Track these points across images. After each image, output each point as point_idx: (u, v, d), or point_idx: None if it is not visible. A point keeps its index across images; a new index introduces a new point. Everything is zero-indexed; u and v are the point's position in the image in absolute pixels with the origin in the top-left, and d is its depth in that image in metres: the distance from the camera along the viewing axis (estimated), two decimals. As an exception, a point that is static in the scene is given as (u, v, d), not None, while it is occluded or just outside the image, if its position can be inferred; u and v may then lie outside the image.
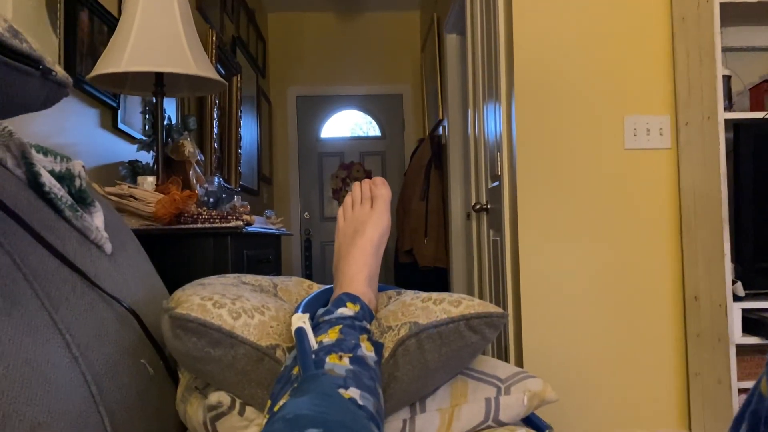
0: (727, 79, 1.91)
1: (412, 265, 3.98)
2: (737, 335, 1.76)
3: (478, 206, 2.60)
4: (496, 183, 2.35)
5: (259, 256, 1.96)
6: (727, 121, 1.81)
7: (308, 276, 5.02)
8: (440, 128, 3.97)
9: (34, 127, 1.54)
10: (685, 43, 1.97)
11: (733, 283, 1.79)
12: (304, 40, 5.08)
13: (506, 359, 2.21)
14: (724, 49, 2.06)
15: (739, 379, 1.77)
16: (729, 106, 1.91)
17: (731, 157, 1.84)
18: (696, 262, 1.94)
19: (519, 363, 2.09)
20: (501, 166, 2.21)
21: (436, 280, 3.84)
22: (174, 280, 1.12)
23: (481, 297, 2.76)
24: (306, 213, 5.13)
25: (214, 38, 2.93)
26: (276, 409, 0.61)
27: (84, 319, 0.78)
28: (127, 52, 1.61)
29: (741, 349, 1.78)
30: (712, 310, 1.85)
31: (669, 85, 2.06)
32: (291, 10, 5.03)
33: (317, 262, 5.09)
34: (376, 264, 0.92)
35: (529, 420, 0.90)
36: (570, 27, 2.06)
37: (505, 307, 2.20)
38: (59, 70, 0.66)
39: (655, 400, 2.04)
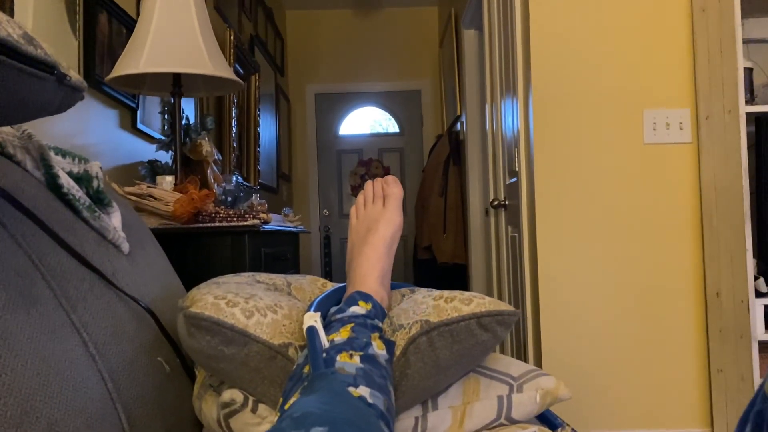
0: (748, 71, 1.88)
1: (430, 262, 3.98)
2: (760, 332, 1.74)
3: (496, 202, 2.59)
4: (514, 179, 2.34)
5: (277, 254, 1.97)
6: (748, 114, 1.78)
7: (327, 273, 5.05)
8: (458, 124, 3.96)
9: (55, 129, 1.57)
10: (706, 34, 1.94)
11: (756, 279, 1.76)
12: (322, 38, 5.09)
13: (525, 356, 2.20)
14: (746, 41, 2.03)
15: (762, 375, 1.74)
16: (751, 99, 1.88)
17: (753, 151, 1.81)
18: (717, 258, 1.91)
19: (537, 360, 2.08)
20: (519, 161, 2.20)
21: (455, 276, 3.84)
22: (192, 279, 1.14)
23: (499, 293, 2.75)
24: (325, 210, 5.16)
25: (232, 38, 2.96)
26: (287, 407, 0.62)
27: (101, 317, 0.79)
28: (145, 54, 1.63)
29: (764, 346, 1.75)
30: (734, 306, 1.82)
31: (689, 78, 2.03)
32: (309, 7, 5.05)
33: (337, 259, 5.12)
34: (388, 262, 0.92)
35: (543, 417, 0.90)
36: (587, 20, 2.04)
37: (523, 304, 2.19)
38: (74, 75, 0.68)
39: (676, 398, 2.02)
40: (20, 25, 0.62)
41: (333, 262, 5.11)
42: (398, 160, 5.23)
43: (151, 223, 1.60)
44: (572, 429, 0.87)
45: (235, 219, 1.63)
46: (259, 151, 3.52)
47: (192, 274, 1.31)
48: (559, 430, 0.80)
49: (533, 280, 2.11)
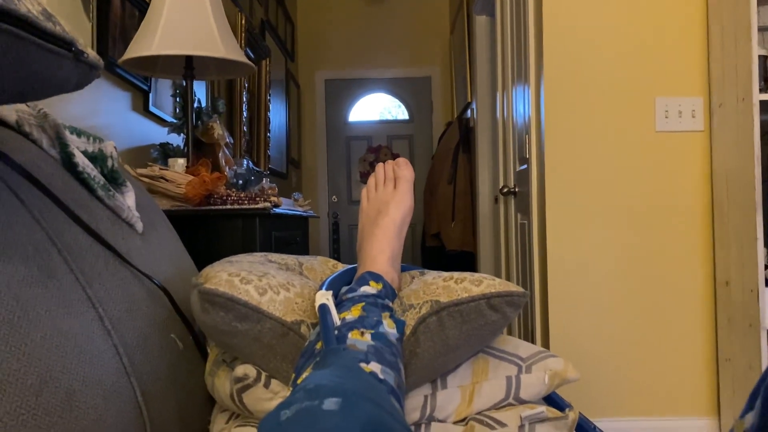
0: (763, 59, 1.86)
1: (439, 249, 3.98)
2: (769, 321, 1.73)
3: (505, 189, 2.59)
4: (524, 166, 2.34)
5: (287, 238, 1.98)
6: (762, 102, 1.77)
7: (336, 259, 5.07)
8: (468, 111, 3.95)
9: (68, 110, 1.58)
10: (720, 21, 1.92)
11: (766, 268, 1.75)
12: (332, 24, 5.08)
13: (532, 343, 2.21)
14: (761, 29, 2.01)
15: (770, 365, 1.74)
16: (765, 88, 1.86)
17: (766, 140, 1.80)
18: (728, 247, 1.91)
19: (545, 347, 2.09)
20: (529, 149, 2.19)
21: (463, 264, 3.84)
22: (204, 261, 1.15)
23: (507, 280, 2.75)
24: (334, 196, 5.17)
25: (243, 22, 2.96)
26: (299, 381, 0.63)
27: (116, 294, 0.81)
28: (158, 36, 1.64)
29: (772, 335, 1.75)
30: (743, 295, 1.82)
31: (702, 66, 2.01)
32: (320, -7, 5.03)
33: (345, 245, 5.13)
34: (398, 244, 0.93)
35: (550, 399, 0.91)
36: (600, 6, 2.03)
37: (531, 291, 2.19)
38: (91, 52, 0.68)
39: (683, 386, 2.02)
40: (39, 1, 0.63)
41: (342, 249, 5.13)
42: (407, 147, 5.23)
43: (163, 205, 1.61)
44: (579, 413, 0.88)
45: (246, 202, 1.64)
46: (269, 137, 3.52)
47: (203, 256, 1.32)
48: (567, 410, 0.81)
49: (542, 267, 2.11)
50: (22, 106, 0.93)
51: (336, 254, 5.11)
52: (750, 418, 0.40)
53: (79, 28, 1.64)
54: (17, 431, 0.54)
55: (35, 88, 0.65)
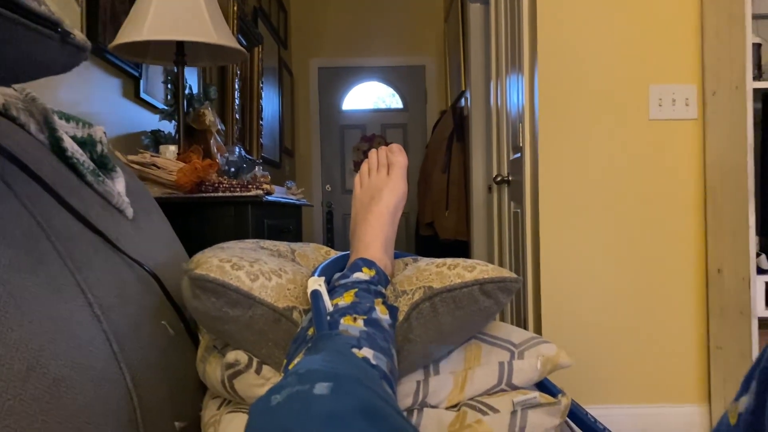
0: (757, 47, 1.86)
1: (432, 238, 3.98)
2: (760, 308, 1.74)
3: (499, 178, 2.59)
4: (518, 155, 2.33)
5: (279, 226, 1.97)
6: (755, 90, 1.76)
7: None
8: (463, 100, 3.93)
9: (57, 96, 1.57)
10: (715, 9, 1.92)
11: (758, 255, 1.76)
12: (326, 11, 5.04)
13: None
14: (755, 16, 2.00)
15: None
16: (758, 76, 1.86)
17: (759, 128, 1.80)
18: (720, 235, 1.91)
19: (537, 334, 2.09)
20: (523, 137, 2.18)
21: (457, 252, 3.84)
22: (195, 248, 1.13)
23: (501, 269, 2.75)
24: (327, 185, 5.15)
25: (235, 8, 2.93)
26: (291, 367, 0.62)
27: (106, 280, 0.80)
28: (149, 21, 1.62)
29: (764, 323, 1.76)
30: (735, 283, 1.83)
31: (696, 53, 2.01)
32: (313, -20, 4.98)
33: (339, 235, 5.12)
34: (392, 230, 0.92)
35: (542, 386, 0.91)
36: (595, -6, 2.01)
37: (524, 279, 2.19)
38: (77, 34, 0.67)
39: (674, 373, 2.03)
40: (24, -19, 0.62)
41: (335, 238, 5.12)
42: (401, 136, 5.21)
43: (155, 192, 1.60)
44: (572, 399, 0.88)
45: (238, 189, 1.63)
46: (261, 125, 3.50)
47: (195, 244, 1.31)
48: (559, 396, 0.80)
49: (535, 256, 2.11)
50: (8, 90, 0.91)
51: (330, 243, 5.10)
52: (744, 401, 0.40)
53: (68, 13, 1.62)
54: (4, 418, 0.53)
55: (20, 69, 0.64)
